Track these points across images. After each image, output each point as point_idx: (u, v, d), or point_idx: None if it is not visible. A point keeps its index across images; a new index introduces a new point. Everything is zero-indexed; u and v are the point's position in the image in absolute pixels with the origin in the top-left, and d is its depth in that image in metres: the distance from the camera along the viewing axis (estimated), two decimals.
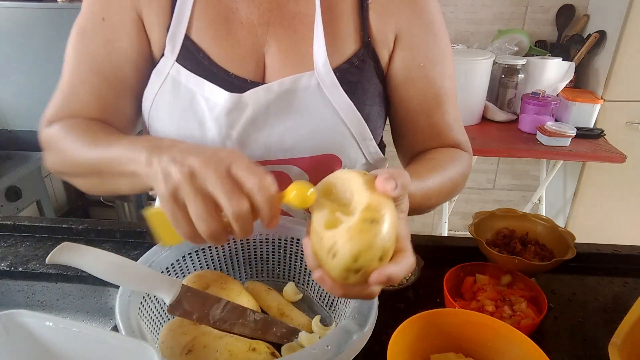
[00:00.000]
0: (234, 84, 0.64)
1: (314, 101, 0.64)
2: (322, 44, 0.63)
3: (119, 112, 0.68)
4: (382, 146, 0.76)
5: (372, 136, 0.69)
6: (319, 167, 0.67)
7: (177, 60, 0.64)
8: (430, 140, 0.71)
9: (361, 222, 0.38)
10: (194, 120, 0.65)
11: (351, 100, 0.64)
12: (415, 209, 0.58)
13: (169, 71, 0.64)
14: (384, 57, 0.67)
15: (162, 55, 0.65)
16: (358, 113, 0.65)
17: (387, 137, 0.80)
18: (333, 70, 0.64)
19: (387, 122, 0.77)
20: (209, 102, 0.63)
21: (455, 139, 0.72)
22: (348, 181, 0.43)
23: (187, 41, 0.64)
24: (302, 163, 0.67)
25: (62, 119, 0.66)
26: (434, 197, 0.60)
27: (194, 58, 0.64)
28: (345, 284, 0.40)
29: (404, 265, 0.40)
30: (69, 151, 0.60)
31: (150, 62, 0.67)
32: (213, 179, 0.40)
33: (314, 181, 0.71)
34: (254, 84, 0.64)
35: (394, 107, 0.72)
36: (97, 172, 0.57)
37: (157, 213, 0.46)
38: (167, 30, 0.64)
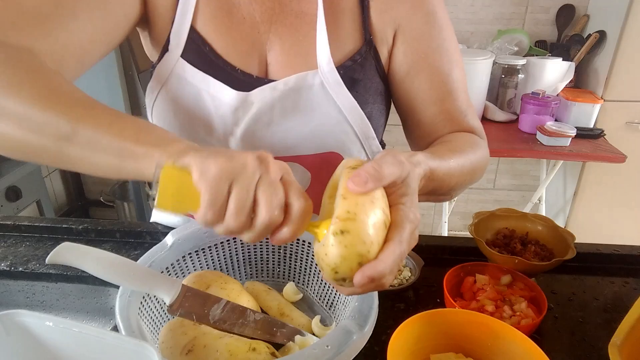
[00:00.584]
0: (240, 79, 0.64)
1: (317, 100, 0.64)
2: (325, 42, 0.63)
3: (74, 41, 0.54)
4: (382, 146, 0.76)
5: (374, 135, 0.69)
6: (322, 165, 0.67)
7: (182, 56, 0.64)
8: (444, 128, 0.69)
9: (332, 237, 0.39)
10: (200, 117, 0.65)
11: (354, 98, 0.65)
12: (437, 189, 0.55)
13: (173, 67, 0.64)
14: (384, 54, 0.67)
15: (167, 50, 0.65)
16: (361, 111, 0.66)
17: (387, 137, 0.81)
18: (336, 68, 0.64)
19: (388, 122, 0.77)
20: (215, 100, 0.64)
21: (469, 125, 0.70)
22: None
23: (193, 33, 0.64)
24: (305, 161, 0.67)
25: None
26: (454, 176, 0.57)
27: (199, 51, 0.64)
28: (348, 288, 0.41)
29: (387, 261, 0.38)
30: (28, 93, 0.44)
31: (125, 34, 0.61)
32: (272, 179, 0.40)
33: (316, 180, 0.71)
34: (259, 80, 0.64)
35: (401, 102, 0.71)
36: (69, 133, 0.43)
37: (181, 174, 0.40)
38: (172, 24, 0.64)
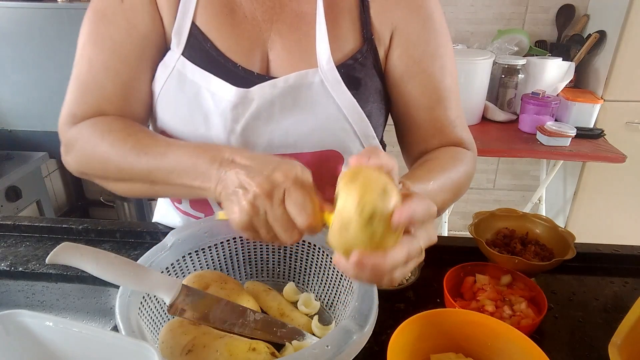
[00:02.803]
0: (241, 76, 0.64)
1: (317, 97, 0.65)
2: (325, 41, 0.64)
3: (141, 97, 0.67)
4: (382, 145, 0.76)
5: (374, 134, 0.69)
6: (322, 163, 0.68)
7: (183, 54, 0.65)
8: (432, 137, 0.71)
9: (349, 182, 0.40)
10: (199, 114, 0.65)
11: (354, 96, 0.65)
12: None
13: (174, 65, 0.65)
14: (381, 53, 0.68)
15: (169, 48, 0.65)
16: (360, 109, 0.66)
17: (387, 138, 0.80)
18: (336, 67, 0.64)
19: (388, 122, 0.77)
20: (215, 97, 0.64)
21: (458, 137, 0.71)
22: None
23: (195, 30, 0.64)
24: (304, 159, 0.67)
25: (86, 114, 0.64)
26: (436, 199, 0.58)
27: (201, 48, 0.64)
28: (384, 249, 0.40)
29: (420, 202, 0.41)
30: (108, 156, 0.59)
31: (165, 44, 0.66)
32: (271, 215, 0.46)
33: (316, 177, 0.72)
34: (260, 77, 0.65)
35: (395, 104, 0.73)
36: (148, 180, 0.58)
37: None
38: (173, 23, 0.64)
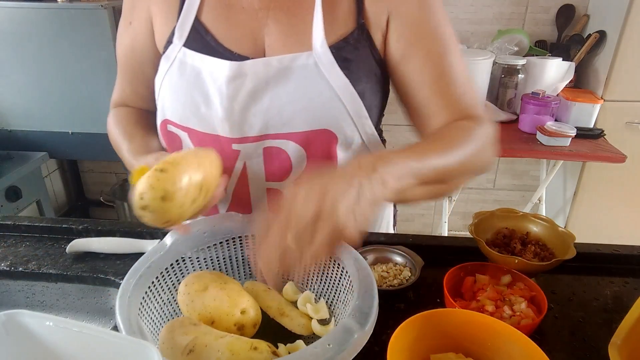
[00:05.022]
0: (237, 60, 0.67)
1: (311, 77, 0.66)
2: (320, 26, 0.66)
3: (150, 98, 0.80)
4: (379, 133, 0.77)
5: (367, 114, 0.70)
6: (315, 142, 0.69)
7: (184, 45, 0.68)
8: (439, 113, 0.69)
9: (152, 171, 0.49)
10: (200, 95, 0.68)
11: (346, 76, 0.67)
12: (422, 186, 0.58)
13: (176, 55, 0.69)
14: (378, 39, 0.69)
15: (171, 43, 0.69)
16: (353, 89, 0.67)
17: (388, 137, 0.81)
18: (329, 47, 0.66)
19: (388, 122, 0.77)
20: (213, 75, 0.67)
21: (467, 110, 0.69)
22: None
23: (197, 24, 0.69)
24: (298, 138, 0.69)
25: (116, 103, 0.85)
26: (439, 175, 0.60)
27: (202, 39, 0.68)
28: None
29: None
30: (114, 141, 0.79)
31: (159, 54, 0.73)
32: None
33: (311, 156, 0.74)
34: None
35: (398, 87, 0.73)
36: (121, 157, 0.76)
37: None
38: (177, 18, 0.69)
